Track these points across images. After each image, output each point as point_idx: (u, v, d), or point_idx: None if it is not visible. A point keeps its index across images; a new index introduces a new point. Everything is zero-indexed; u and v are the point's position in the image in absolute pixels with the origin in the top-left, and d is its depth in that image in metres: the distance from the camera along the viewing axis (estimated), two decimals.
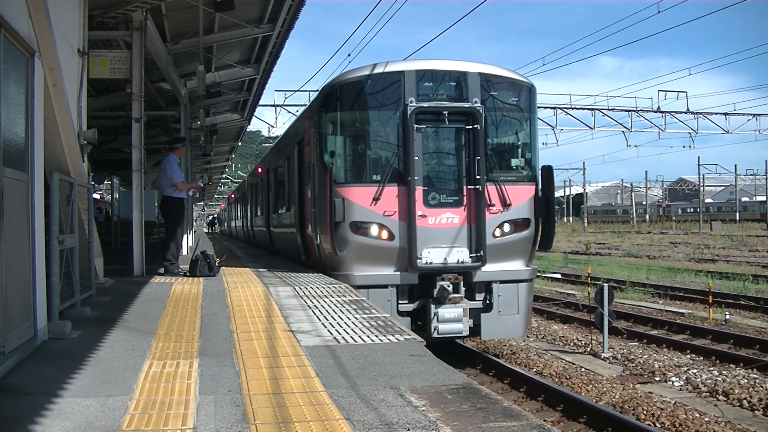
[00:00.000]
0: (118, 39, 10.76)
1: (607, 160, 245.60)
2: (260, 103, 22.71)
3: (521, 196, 9.34)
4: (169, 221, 10.59)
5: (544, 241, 9.68)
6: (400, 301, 9.04)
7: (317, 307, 7.16)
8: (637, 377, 9.28)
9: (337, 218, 8.88)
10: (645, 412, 7.47)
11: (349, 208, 8.92)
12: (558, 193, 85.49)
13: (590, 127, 38.25)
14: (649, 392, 8.33)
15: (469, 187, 9.09)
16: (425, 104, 9.01)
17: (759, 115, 40.56)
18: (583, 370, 9.61)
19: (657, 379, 9.17)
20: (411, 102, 8.92)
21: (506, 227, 9.23)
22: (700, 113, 39.46)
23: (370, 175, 9.20)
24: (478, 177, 8.96)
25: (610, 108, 38.26)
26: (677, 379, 9.05)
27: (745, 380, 8.71)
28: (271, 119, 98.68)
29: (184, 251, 14.54)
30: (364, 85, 9.29)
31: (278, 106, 31.76)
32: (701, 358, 10.26)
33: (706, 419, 7.18)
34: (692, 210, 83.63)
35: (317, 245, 9.90)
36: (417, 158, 8.91)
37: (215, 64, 15.51)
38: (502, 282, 9.31)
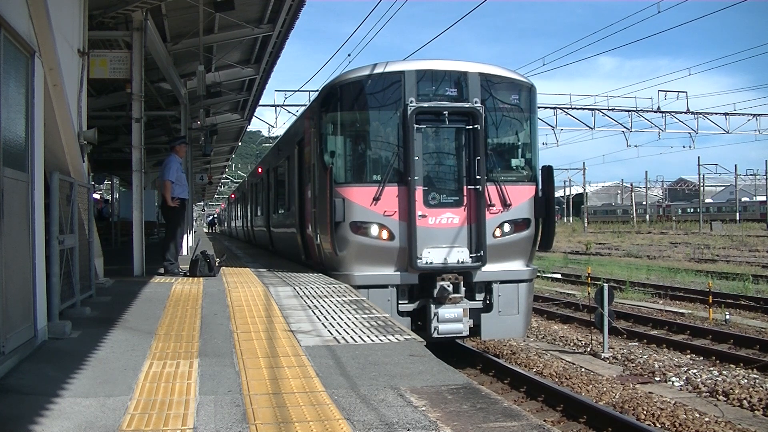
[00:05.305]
0: (118, 39, 10.77)
1: (607, 160, 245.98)
2: (260, 103, 22.76)
3: (521, 196, 9.34)
4: (170, 221, 10.58)
5: (544, 241, 9.69)
6: (400, 301, 9.05)
7: (317, 307, 7.16)
8: (637, 377, 9.27)
9: (337, 218, 8.88)
10: (645, 412, 7.47)
11: (349, 208, 8.92)
12: (558, 193, 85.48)
13: (590, 127, 38.28)
14: (649, 392, 8.33)
15: (469, 187, 9.09)
16: (425, 104, 9.00)
17: (759, 115, 40.60)
18: (583, 370, 9.61)
19: (657, 379, 9.17)
20: (411, 102, 8.92)
21: (506, 227, 9.24)
22: (700, 113, 39.47)
23: (370, 175, 9.20)
24: (478, 177, 8.96)
25: (610, 108, 38.32)
26: (677, 379, 9.04)
27: (745, 380, 8.70)
28: (271, 119, 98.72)
29: (184, 251, 14.55)
30: (364, 85, 9.28)
31: (278, 106, 31.79)
32: (701, 358, 10.26)
33: (706, 419, 7.17)
34: (692, 210, 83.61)
35: (317, 245, 9.90)
36: (417, 158, 8.91)
37: (215, 64, 15.52)
38: (502, 282, 9.31)
